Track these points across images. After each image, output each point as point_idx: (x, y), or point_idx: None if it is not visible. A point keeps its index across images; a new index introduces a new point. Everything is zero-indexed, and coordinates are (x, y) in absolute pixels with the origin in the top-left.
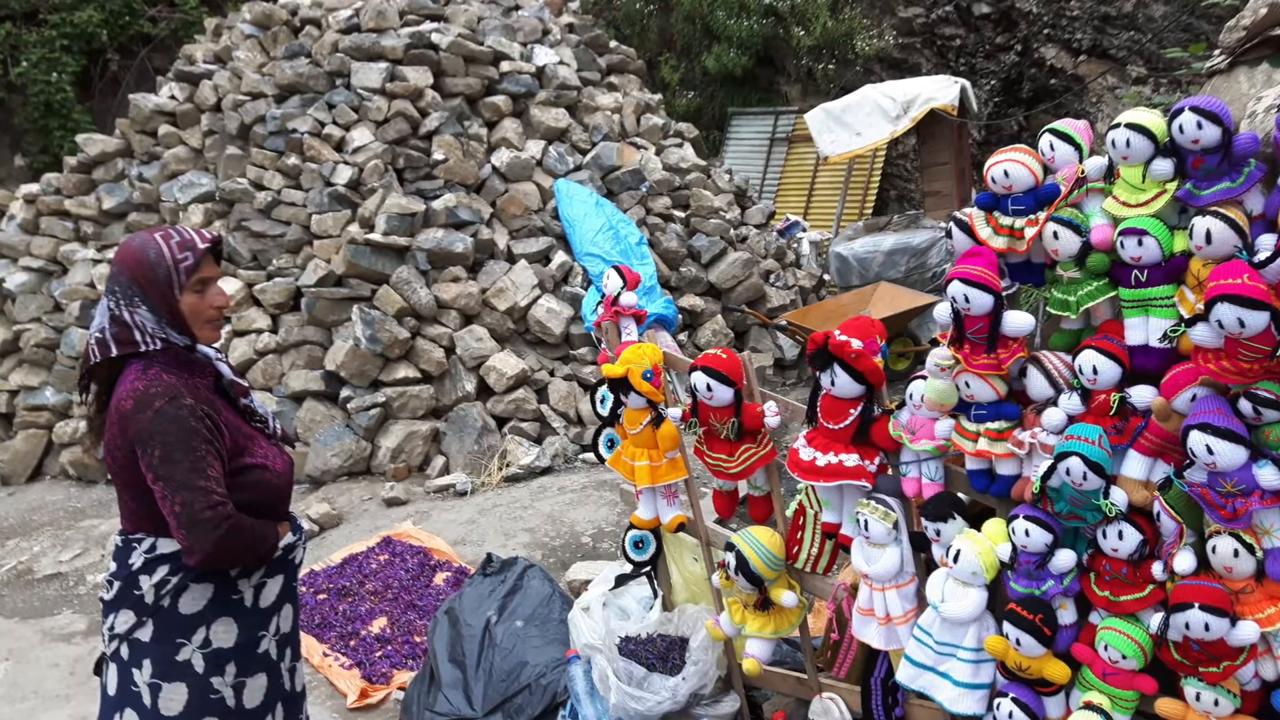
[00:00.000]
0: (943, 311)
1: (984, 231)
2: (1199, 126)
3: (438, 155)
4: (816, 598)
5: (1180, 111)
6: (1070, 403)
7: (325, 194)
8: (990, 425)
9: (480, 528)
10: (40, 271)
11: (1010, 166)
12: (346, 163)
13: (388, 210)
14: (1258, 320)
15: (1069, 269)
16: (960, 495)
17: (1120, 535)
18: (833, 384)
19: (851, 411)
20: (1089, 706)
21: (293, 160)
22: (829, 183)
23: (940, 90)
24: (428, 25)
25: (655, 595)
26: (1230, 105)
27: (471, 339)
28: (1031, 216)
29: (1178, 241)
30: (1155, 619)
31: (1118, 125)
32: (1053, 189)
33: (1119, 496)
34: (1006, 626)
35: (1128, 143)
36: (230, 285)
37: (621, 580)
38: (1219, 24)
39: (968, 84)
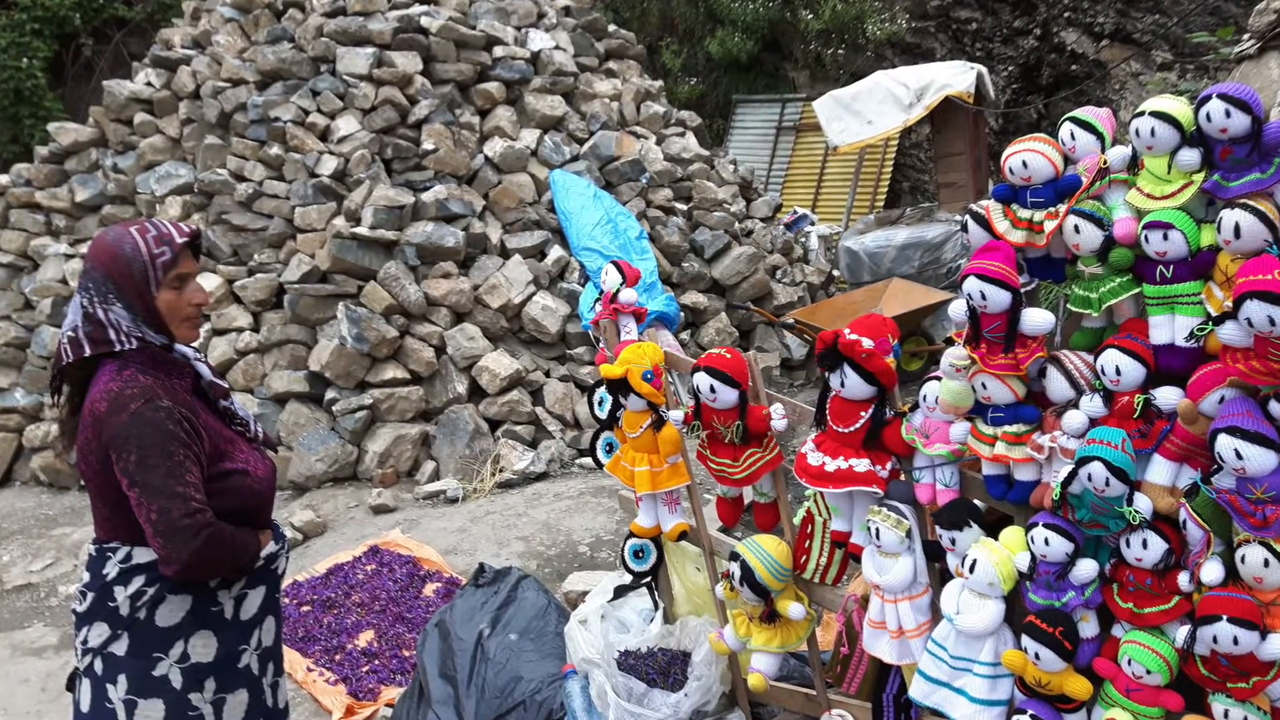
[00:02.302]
0: (958, 309)
1: (1001, 225)
2: (1227, 115)
3: (427, 145)
4: (825, 610)
5: (1208, 99)
6: (1092, 405)
7: (309, 185)
8: (1008, 428)
9: (472, 536)
10: (10, 267)
11: (1029, 157)
12: (331, 153)
13: (375, 203)
14: None
15: (1091, 264)
16: (976, 502)
17: (1145, 544)
18: (842, 385)
19: (862, 414)
20: None
21: (275, 150)
22: (838, 174)
23: (955, 76)
24: (417, 8)
25: (656, 607)
26: (1260, 92)
27: (463, 338)
28: (1051, 209)
29: (1205, 235)
30: (1181, 632)
31: (1142, 113)
32: (1073, 180)
33: (1143, 503)
34: (1025, 640)
35: (1152, 132)
36: (209, 281)
37: (621, 591)
38: (1248, 7)
39: (984, 70)
